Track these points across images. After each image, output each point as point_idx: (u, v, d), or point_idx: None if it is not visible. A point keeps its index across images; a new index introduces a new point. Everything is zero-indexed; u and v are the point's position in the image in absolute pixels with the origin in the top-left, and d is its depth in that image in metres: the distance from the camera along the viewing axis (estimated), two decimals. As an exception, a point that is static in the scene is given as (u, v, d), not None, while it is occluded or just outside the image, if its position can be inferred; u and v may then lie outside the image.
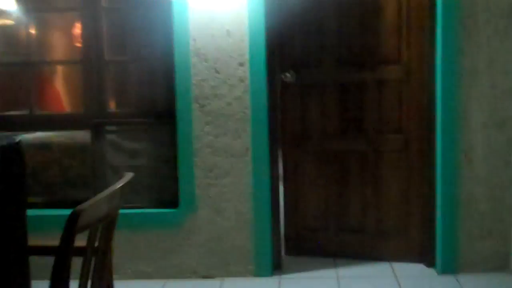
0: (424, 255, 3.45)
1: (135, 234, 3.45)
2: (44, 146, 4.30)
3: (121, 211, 3.41)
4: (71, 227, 1.46)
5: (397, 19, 3.38)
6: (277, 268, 3.48)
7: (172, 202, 3.46)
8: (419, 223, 3.46)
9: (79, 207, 1.50)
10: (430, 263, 3.42)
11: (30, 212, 3.35)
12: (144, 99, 3.55)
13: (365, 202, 3.57)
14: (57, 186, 3.99)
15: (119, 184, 1.83)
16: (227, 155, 3.37)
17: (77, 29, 3.51)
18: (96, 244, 1.77)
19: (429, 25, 3.26)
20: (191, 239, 3.43)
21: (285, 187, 3.65)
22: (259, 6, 3.25)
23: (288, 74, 3.54)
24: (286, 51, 3.55)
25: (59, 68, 3.83)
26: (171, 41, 3.32)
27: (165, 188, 3.51)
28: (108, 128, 3.50)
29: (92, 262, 1.73)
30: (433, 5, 3.23)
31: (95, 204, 1.63)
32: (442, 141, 3.25)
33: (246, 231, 3.42)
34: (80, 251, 1.64)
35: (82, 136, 3.73)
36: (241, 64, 3.30)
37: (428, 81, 3.31)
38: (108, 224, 1.87)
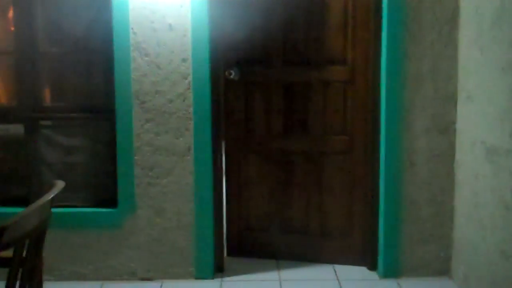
0: (366, 258, 3.44)
1: (71, 234, 3.31)
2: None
3: (58, 210, 3.28)
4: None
5: (343, 17, 3.33)
6: (218, 270, 3.41)
7: (110, 201, 3.33)
8: (362, 226, 3.45)
9: (2, 224, 1.38)
10: (372, 266, 3.41)
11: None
12: (82, 94, 3.39)
13: (308, 203, 3.53)
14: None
15: (49, 196, 1.71)
16: (168, 154, 3.26)
17: (10, 17, 3.31)
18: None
19: (374, 26, 3.22)
20: (130, 240, 3.32)
21: (227, 187, 3.57)
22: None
23: (232, 71, 3.44)
24: (230, 47, 3.44)
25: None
26: (110, 33, 3.17)
27: (103, 187, 3.37)
28: (43, 123, 3.33)
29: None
30: (378, 6, 3.18)
31: (20, 220, 1.51)
32: (386, 145, 3.23)
33: (187, 232, 3.32)
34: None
35: (16, 129, 3.56)
36: (184, 60, 3.19)
37: (373, 83, 3.28)
38: (37, 236, 1.74)
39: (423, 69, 3.18)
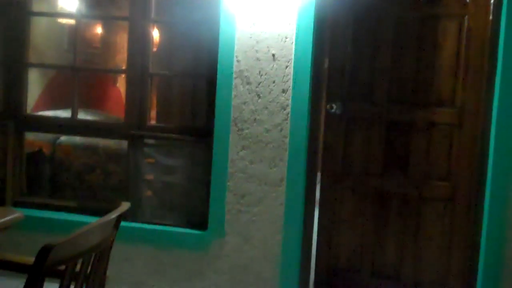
0: (460, 315, 3.19)
1: (160, 251, 3.38)
2: (83, 149, 4.37)
3: (150, 227, 3.39)
4: (39, 265, 1.38)
5: (455, 59, 3.17)
6: (301, 306, 3.33)
7: (201, 224, 3.37)
8: (458, 281, 3.21)
9: (51, 243, 1.42)
10: (465, 325, 3.16)
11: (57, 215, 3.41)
12: (184, 116, 3.50)
13: (403, 248, 3.35)
14: (86, 192, 4.02)
15: (111, 216, 1.75)
16: (260, 183, 3.25)
17: (125, 38, 3.50)
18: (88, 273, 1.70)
19: (488, 70, 3.02)
20: (216, 264, 3.33)
21: (319, 222, 3.48)
22: (307, 32, 3.12)
23: (334, 105, 3.38)
24: (334, 81, 3.39)
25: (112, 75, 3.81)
26: (215, 60, 3.24)
27: (195, 208, 3.42)
28: (146, 141, 3.45)
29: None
30: (494, 49, 2.99)
31: (74, 239, 1.54)
32: (491, 197, 2.99)
33: (273, 263, 3.27)
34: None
35: (121, 145, 3.74)
36: (284, 91, 3.18)
37: (483, 128, 3.07)
38: (100, 254, 1.79)
39: (540, 119, 2.93)
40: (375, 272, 3.43)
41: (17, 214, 2.06)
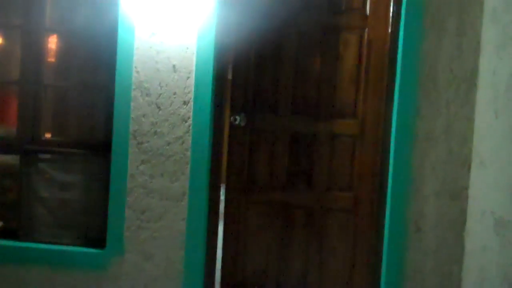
0: (363, 326, 3.20)
1: (56, 272, 3.17)
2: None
3: (44, 246, 3.18)
4: None
5: (356, 71, 3.21)
6: (205, 325, 3.22)
7: (99, 242, 3.21)
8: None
9: None
10: (369, 336, 3.17)
11: None
12: (81, 129, 3.31)
13: (307, 260, 3.33)
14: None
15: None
16: (161, 198, 3.13)
17: (17, 48, 3.29)
18: None
19: (388, 81, 3.08)
20: (116, 284, 3.16)
21: (224, 237, 3.40)
22: (209, 43, 3.05)
23: (238, 117, 3.32)
24: (238, 93, 3.34)
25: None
26: (113, 71, 3.11)
27: (93, 226, 3.25)
28: (40, 156, 3.25)
29: None
30: (393, 62, 3.04)
31: None
32: (391, 207, 3.03)
33: (176, 281, 3.16)
34: None
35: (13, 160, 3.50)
36: (185, 103, 3.09)
37: (383, 140, 3.12)
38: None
39: (436, 129, 3.00)
40: (280, 285, 3.38)
41: None
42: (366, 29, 3.24)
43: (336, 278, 3.30)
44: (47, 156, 3.26)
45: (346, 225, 3.27)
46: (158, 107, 3.10)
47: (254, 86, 3.34)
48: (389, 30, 3.16)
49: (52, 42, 3.30)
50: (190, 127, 3.09)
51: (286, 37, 3.30)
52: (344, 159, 3.26)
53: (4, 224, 3.28)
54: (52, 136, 3.37)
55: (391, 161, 3.04)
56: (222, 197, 3.39)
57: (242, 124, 3.34)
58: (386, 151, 3.10)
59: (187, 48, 3.07)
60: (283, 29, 3.30)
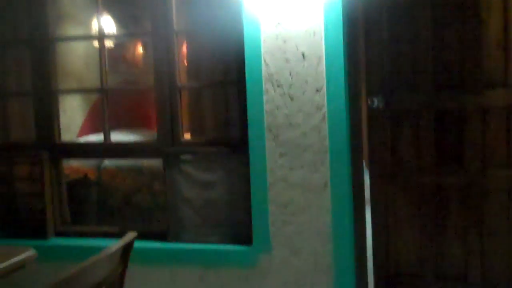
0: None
1: (207, 271, 3.22)
2: (128, 170, 4.30)
3: (194, 246, 3.24)
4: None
5: (503, 34, 2.85)
6: (361, 319, 3.09)
7: (246, 239, 3.20)
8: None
9: (52, 283, 1.28)
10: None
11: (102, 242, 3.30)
12: (217, 127, 3.32)
13: (466, 247, 3.06)
14: (133, 215, 3.93)
15: (116, 246, 1.60)
16: (303, 190, 3.04)
17: (149, 53, 3.37)
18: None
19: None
20: (266, 281, 3.13)
21: (373, 228, 3.23)
22: (337, 24, 2.90)
23: (375, 99, 3.13)
24: (373, 73, 3.14)
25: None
26: (242, 66, 3.06)
27: (238, 223, 3.24)
28: (181, 157, 3.31)
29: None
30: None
31: (75, 275, 1.40)
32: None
33: (326, 275, 3.05)
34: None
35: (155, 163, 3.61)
36: (318, 90, 2.96)
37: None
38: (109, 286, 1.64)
39: None
40: (440, 274, 3.15)
41: (29, 253, 1.94)
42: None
43: (502, 263, 2.99)
44: (188, 157, 3.30)
45: (507, 206, 2.95)
46: (291, 98, 3.00)
47: (390, 64, 3.13)
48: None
49: (182, 45, 3.34)
50: (325, 115, 2.96)
51: (420, 4, 3.04)
52: (498, 134, 2.93)
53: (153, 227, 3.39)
54: (190, 137, 3.43)
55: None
56: (366, 183, 3.22)
57: (381, 106, 3.14)
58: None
59: (314, 33, 2.94)
60: (413, 2, 3.05)
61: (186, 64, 3.41)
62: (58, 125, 3.53)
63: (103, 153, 3.50)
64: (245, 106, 3.08)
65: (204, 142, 3.29)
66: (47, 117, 3.50)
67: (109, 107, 3.45)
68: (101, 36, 3.51)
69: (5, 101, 3.65)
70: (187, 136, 3.45)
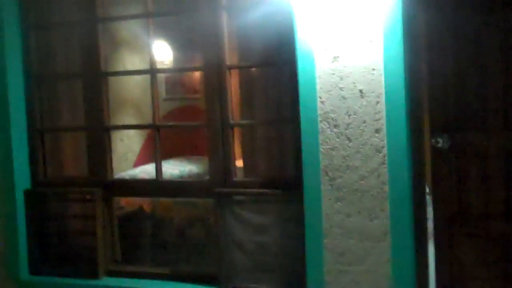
0: None
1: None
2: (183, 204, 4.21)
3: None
4: None
5: None
6: None
7: (298, 286, 3.01)
8: None
9: None
10: None
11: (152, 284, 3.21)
12: (270, 168, 3.18)
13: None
14: (179, 250, 3.83)
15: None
16: (361, 239, 2.83)
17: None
18: None
19: None
20: (321, 333, 2.94)
21: (437, 279, 2.97)
22: (398, 59, 2.70)
23: (440, 139, 2.89)
24: (437, 111, 2.91)
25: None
26: (296, 103, 2.91)
27: (291, 269, 3.07)
28: (234, 198, 3.17)
29: None
30: None
31: None
32: None
33: (387, 332, 2.83)
34: None
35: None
36: (377, 131, 2.76)
37: None
38: None
39: None
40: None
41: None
42: None
43: None
44: (240, 197, 3.17)
45: None
46: (348, 138, 2.82)
47: (455, 101, 2.88)
48: None
49: (234, 79, 3.23)
50: (386, 158, 2.76)
51: (487, 35, 2.80)
52: None
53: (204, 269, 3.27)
54: (243, 177, 3.29)
55: None
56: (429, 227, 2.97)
57: (446, 146, 2.90)
58: None
59: (373, 69, 2.75)
60: (484, 23, 2.80)
61: (237, 99, 3.28)
62: (111, 161, 3.48)
63: (154, 191, 3.41)
64: (300, 145, 2.92)
65: (257, 183, 3.15)
66: (100, 152, 3.45)
67: (164, 136, 3.39)
68: (153, 71, 3.44)
69: (58, 135, 3.64)
70: (240, 173, 3.32)
